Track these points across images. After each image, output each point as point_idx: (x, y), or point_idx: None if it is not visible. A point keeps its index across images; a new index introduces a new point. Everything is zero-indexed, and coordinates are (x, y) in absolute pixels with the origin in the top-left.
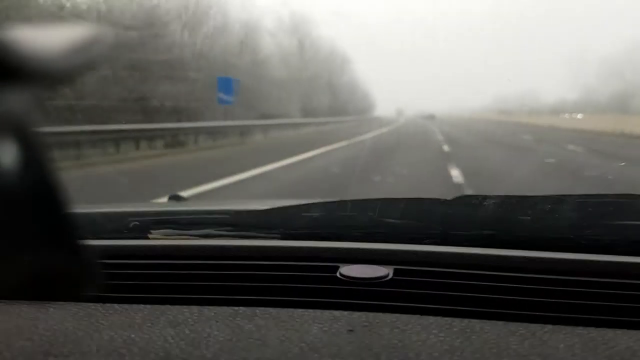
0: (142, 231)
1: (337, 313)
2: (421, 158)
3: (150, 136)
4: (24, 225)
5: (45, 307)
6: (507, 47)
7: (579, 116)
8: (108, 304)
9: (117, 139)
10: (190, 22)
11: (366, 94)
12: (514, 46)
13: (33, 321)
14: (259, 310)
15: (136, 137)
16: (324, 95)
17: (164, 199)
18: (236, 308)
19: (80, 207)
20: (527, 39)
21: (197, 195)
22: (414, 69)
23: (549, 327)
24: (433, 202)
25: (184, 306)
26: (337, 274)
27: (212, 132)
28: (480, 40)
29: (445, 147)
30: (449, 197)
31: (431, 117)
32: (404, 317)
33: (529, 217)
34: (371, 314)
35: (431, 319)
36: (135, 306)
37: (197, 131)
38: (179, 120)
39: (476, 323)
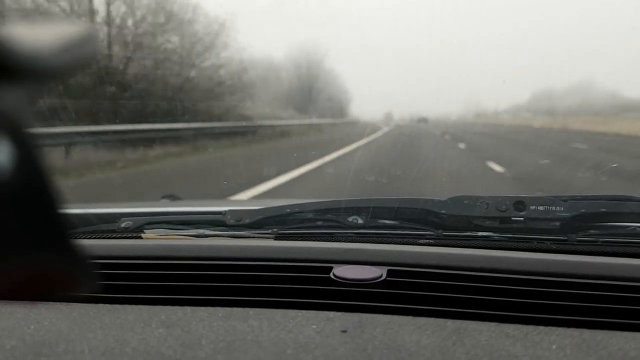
0: (135, 231)
1: (330, 314)
2: None
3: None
4: (16, 224)
5: (37, 308)
6: (551, 26)
7: None
8: (100, 304)
9: None
10: None
11: (333, 94)
12: (560, 24)
13: (24, 322)
14: (252, 311)
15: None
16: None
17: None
18: (229, 309)
19: (73, 207)
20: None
21: None
22: (417, 63)
23: (542, 328)
24: (427, 202)
25: (177, 306)
26: (331, 275)
27: None
28: (507, 21)
29: None
30: (442, 198)
31: (424, 121)
32: (398, 318)
33: (522, 218)
34: (365, 315)
35: (424, 319)
36: (128, 306)
37: None
38: None
39: (469, 324)
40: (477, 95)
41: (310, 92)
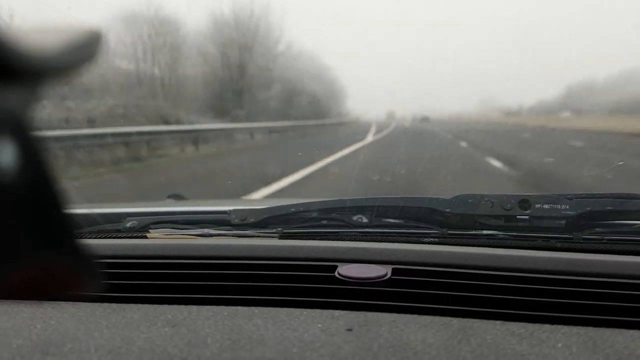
0: (140, 230)
1: (335, 312)
2: None
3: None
4: (22, 224)
5: (44, 307)
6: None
7: None
8: (106, 304)
9: None
10: None
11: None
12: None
13: (31, 321)
14: (257, 309)
15: None
16: None
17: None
18: (235, 308)
19: (79, 207)
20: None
21: None
22: (423, 60)
23: (547, 326)
24: (431, 201)
25: (183, 305)
26: (336, 274)
27: None
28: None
29: None
30: (447, 197)
31: (426, 120)
32: (403, 317)
33: (527, 217)
34: (369, 314)
35: (429, 318)
36: (133, 306)
37: None
38: None
39: (474, 322)
40: (496, 91)
41: (240, 76)
